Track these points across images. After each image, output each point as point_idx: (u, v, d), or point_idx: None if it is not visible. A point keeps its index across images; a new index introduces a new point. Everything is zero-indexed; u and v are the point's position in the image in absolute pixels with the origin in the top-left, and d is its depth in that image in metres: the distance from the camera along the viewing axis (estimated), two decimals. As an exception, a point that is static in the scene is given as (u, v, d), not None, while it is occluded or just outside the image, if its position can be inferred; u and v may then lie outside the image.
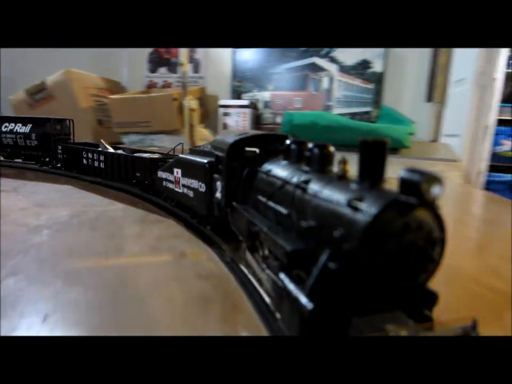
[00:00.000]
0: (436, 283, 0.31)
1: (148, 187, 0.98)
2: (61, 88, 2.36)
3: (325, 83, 2.78)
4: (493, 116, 2.69)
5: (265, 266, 0.41)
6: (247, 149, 0.55)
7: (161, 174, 0.85)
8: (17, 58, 2.78)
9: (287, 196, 0.40)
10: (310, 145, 0.39)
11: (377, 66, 2.67)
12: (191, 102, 2.25)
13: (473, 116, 2.07)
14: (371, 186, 0.29)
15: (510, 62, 2.71)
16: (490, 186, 2.40)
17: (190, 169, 0.68)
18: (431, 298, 0.31)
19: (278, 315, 0.35)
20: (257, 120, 2.88)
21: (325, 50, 2.74)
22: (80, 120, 1.98)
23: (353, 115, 2.74)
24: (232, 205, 0.54)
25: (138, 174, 1.00)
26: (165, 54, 3.05)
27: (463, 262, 0.67)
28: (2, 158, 1.56)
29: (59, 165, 1.36)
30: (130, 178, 1.04)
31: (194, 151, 0.72)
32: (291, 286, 0.30)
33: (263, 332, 0.37)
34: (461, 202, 1.53)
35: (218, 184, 0.57)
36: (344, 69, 2.73)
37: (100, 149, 1.24)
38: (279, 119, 2.80)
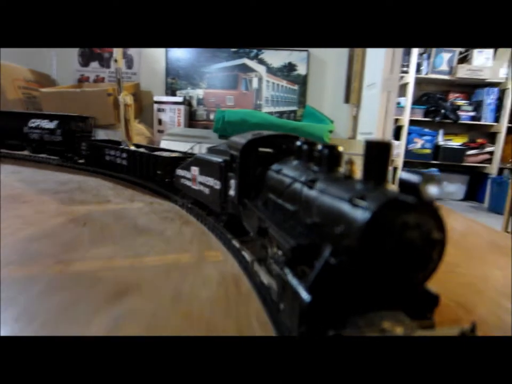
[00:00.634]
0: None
1: (168, 184, 1.00)
2: (-14, 80, 2.29)
3: (254, 83, 2.98)
4: (406, 117, 3.03)
5: (272, 261, 0.42)
6: (262, 149, 0.57)
7: (180, 172, 0.88)
8: None
9: (295, 193, 0.41)
10: (319, 146, 0.40)
11: (301, 69, 2.93)
12: (126, 98, 2.31)
13: (382, 116, 2.38)
14: (375, 186, 0.30)
15: (421, 68, 3.11)
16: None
17: (206, 167, 0.71)
18: (432, 301, 0.30)
19: (281, 306, 0.36)
20: (191, 117, 3.00)
21: (254, 52, 2.94)
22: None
23: (281, 113, 2.98)
24: (244, 202, 0.56)
25: (159, 172, 1.02)
26: (97, 49, 3.04)
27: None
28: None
29: (82, 161, 1.39)
30: (151, 175, 1.06)
31: (212, 150, 0.74)
32: (293, 279, 0.31)
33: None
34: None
35: (232, 182, 0.59)
36: (271, 71, 2.96)
37: (122, 146, 1.26)
38: (212, 116, 2.94)
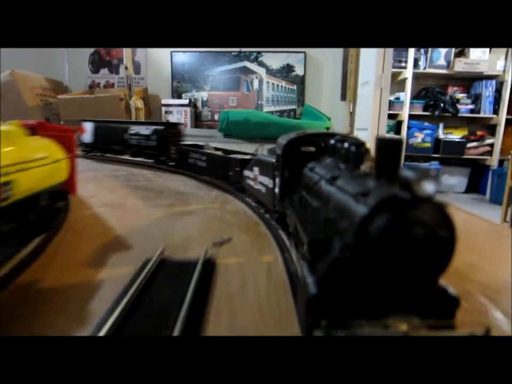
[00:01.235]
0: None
1: (238, 184, 1.04)
2: (7, 89, 2.47)
3: (255, 84, 3.12)
4: (406, 111, 3.04)
5: (300, 256, 0.43)
6: (304, 148, 0.58)
7: (246, 173, 0.92)
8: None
9: (320, 191, 0.42)
10: (346, 143, 0.40)
11: (299, 70, 3.06)
12: (136, 102, 2.48)
13: (375, 113, 2.47)
14: (386, 183, 0.29)
15: (419, 63, 3.17)
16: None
17: (263, 167, 0.74)
18: (451, 304, 0.29)
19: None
20: (197, 118, 3.15)
21: (254, 55, 3.09)
22: (29, 118, 2.13)
23: (281, 112, 3.11)
24: (285, 199, 0.58)
25: (231, 173, 1.08)
26: (106, 56, 3.22)
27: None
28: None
29: (172, 163, 1.54)
30: (225, 176, 1.13)
31: (271, 151, 0.76)
32: (305, 272, 0.32)
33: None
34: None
35: (277, 180, 0.62)
36: (271, 72, 3.09)
37: (204, 150, 1.37)
38: (216, 117, 3.10)
